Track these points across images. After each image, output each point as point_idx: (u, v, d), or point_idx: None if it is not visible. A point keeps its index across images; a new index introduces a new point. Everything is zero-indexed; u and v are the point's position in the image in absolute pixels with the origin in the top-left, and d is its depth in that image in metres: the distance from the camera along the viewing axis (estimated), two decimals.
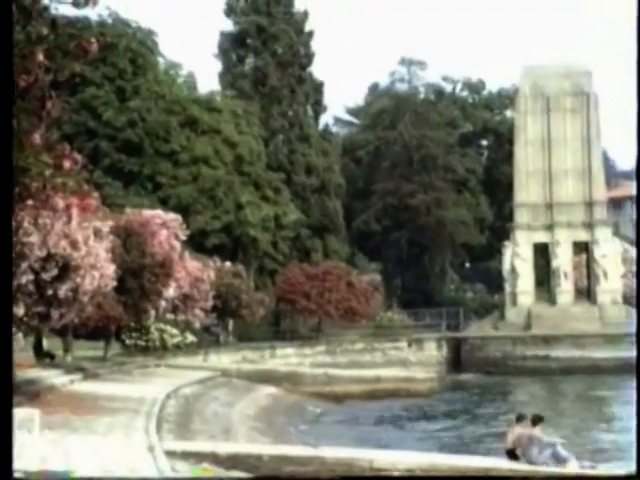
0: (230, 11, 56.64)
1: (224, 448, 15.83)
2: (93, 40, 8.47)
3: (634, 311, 55.63)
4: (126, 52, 45.35)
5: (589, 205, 55.42)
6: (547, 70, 56.60)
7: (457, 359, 49.29)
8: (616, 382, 42.78)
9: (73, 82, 39.29)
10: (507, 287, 55.55)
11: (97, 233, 22.42)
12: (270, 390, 32.27)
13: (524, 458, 16.00)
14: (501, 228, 61.45)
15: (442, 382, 40.51)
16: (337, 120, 77.98)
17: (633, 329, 51.18)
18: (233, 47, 56.62)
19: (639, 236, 8.67)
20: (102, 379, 24.67)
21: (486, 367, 47.54)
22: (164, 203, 42.85)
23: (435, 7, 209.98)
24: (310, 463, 15.19)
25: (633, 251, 68.57)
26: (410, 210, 67.79)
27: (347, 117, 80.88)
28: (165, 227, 33.09)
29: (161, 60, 50.64)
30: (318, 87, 58.97)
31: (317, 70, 59.12)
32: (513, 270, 55.16)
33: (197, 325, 38.39)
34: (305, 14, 57.89)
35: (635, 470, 9.00)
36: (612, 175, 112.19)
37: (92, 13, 43.38)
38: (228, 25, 56.93)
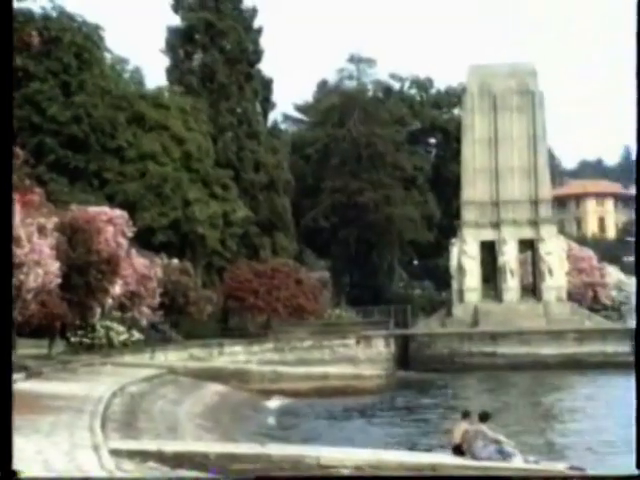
0: (178, 6, 56.16)
1: (170, 446, 15.68)
2: (34, 33, 8.32)
3: (575, 306, 56.60)
4: (71, 46, 44.66)
5: (535, 203, 56.12)
6: (494, 69, 57.22)
7: (405, 356, 49.56)
8: (561, 378, 43.43)
9: (16, 76, 38.62)
10: (454, 284, 56.04)
11: (41, 230, 22.08)
12: (218, 388, 32.09)
13: (469, 453, 16.12)
14: (449, 225, 61.97)
15: (390, 379, 40.69)
16: (286, 117, 77.96)
17: (577, 325, 52.11)
18: (181, 43, 56.14)
19: (639, 235, 8.75)
20: (46, 378, 24.28)
21: (434, 364, 47.88)
22: (110, 200, 42.35)
23: (384, 5, 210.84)
24: (257, 461, 15.12)
25: (577, 249, 69.65)
26: (358, 207, 68.01)
27: (296, 114, 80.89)
28: (111, 224, 32.75)
29: (107, 55, 49.98)
30: (267, 84, 58.78)
31: (266, 67, 59.03)
32: (460, 267, 55.64)
33: (144, 322, 38.06)
34: (254, 11, 57.65)
35: (635, 470, 9.06)
36: (557, 174, 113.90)
37: (35, 6, 42.72)
38: (176, 20, 56.50)
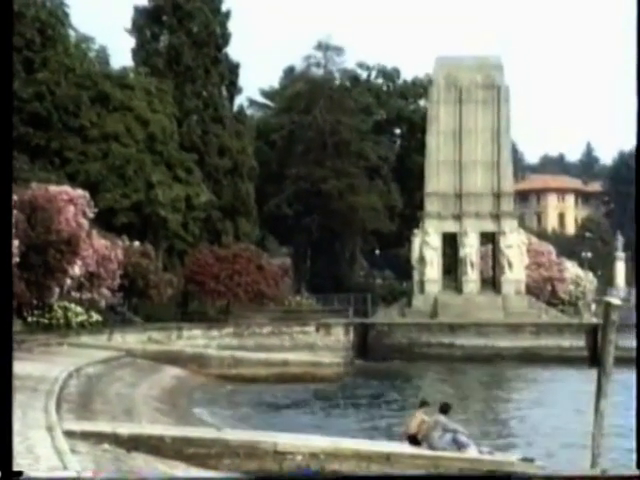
0: None
1: (125, 429, 15.59)
2: None
3: (533, 300, 57.17)
4: (34, 22, 44.01)
5: (497, 196, 56.43)
6: (460, 62, 57.34)
7: (364, 345, 49.65)
8: (517, 370, 43.86)
9: None
10: (415, 275, 56.22)
11: None
12: (175, 371, 31.99)
13: (425, 443, 16.20)
14: (411, 216, 62.19)
15: (348, 367, 40.81)
16: (252, 102, 77.62)
17: (534, 319, 52.62)
18: (147, 23, 55.60)
19: (639, 235, 8.79)
20: None
21: (392, 353, 48.04)
22: (72, 179, 41.91)
23: None
24: (213, 445, 15.10)
25: (537, 243, 70.33)
26: (322, 195, 68.00)
27: (262, 100, 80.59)
28: (72, 204, 32.43)
29: (72, 33, 49.36)
30: (233, 68, 58.46)
31: (233, 51, 58.65)
32: (422, 258, 55.83)
33: (103, 304, 37.80)
34: None
35: (636, 470, 9.16)
36: (520, 168, 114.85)
37: None
38: (143, 1, 55.91)
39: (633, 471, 9.31)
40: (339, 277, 69.00)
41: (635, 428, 8.88)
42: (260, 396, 31.42)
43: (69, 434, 13.60)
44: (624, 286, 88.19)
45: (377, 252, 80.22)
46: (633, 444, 20.64)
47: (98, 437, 14.52)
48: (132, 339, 37.60)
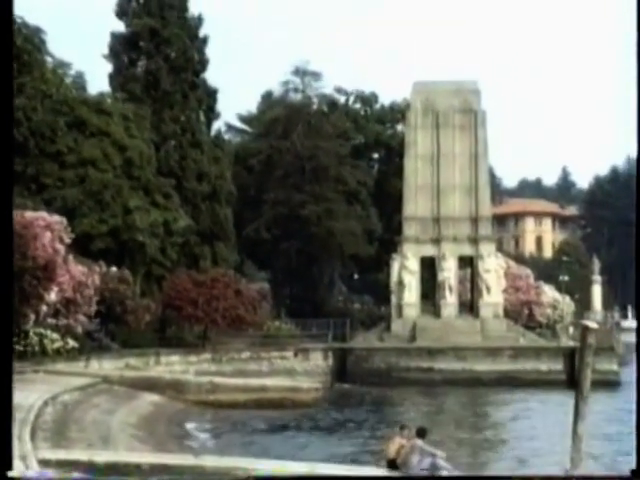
0: (122, 13, 55.60)
1: (102, 456, 15.43)
2: None
3: (511, 323, 57.30)
4: None
5: (475, 220, 56.66)
6: (438, 86, 57.76)
7: (343, 370, 49.57)
8: (495, 394, 43.87)
9: None
10: (394, 299, 56.25)
11: None
12: (153, 398, 31.72)
13: (404, 467, 16.14)
14: (390, 241, 62.25)
15: (327, 392, 40.67)
16: (230, 127, 77.70)
17: (512, 343, 52.70)
18: (125, 49, 55.60)
19: (639, 236, 8.83)
20: None
21: (371, 378, 47.95)
22: (48, 205, 41.67)
23: (330, 19, 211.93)
24: (190, 472, 14.97)
25: (515, 267, 70.62)
26: (301, 220, 67.99)
27: (240, 125, 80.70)
28: (49, 229, 32.25)
29: (49, 59, 49.25)
30: (211, 93, 58.53)
31: (211, 76, 58.74)
32: (400, 282, 55.90)
33: (79, 330, 37.49)
34: (199, 19, 57.40)
35: (632, 470, 9.14)
36: (497, 192, 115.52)
37: None
38: (120, 27, 55.95)
39: (624, 473, 9.32)
40: (318, 302, 68.86)
41: (635, 428, 8.89)
42: (238, 422, 31.22)
43: (44, 463, 13.44)
44: (601, 309, 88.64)
45: (356, 277, 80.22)
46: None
47: (74, 465, 14.36)
48: (109, 365, 37.29)
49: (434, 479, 15.34)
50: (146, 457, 16.82)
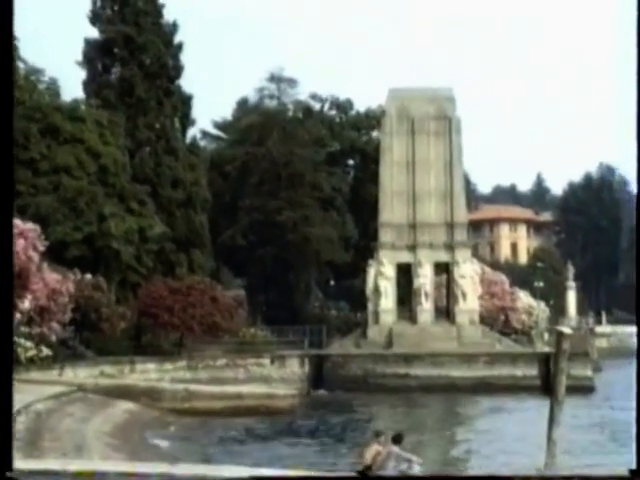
0: (96, 19, 55.36)
1: (76, 466, 15.25)
2: None
3: (487, 329, 57.49)
4: None
5: (450, 226, 56.81)
6: (413, 93, 57.95)
7: (319, 376, 49.51)
8: (471, 400, 43.98)
9: None
10: (370, 305, 56.27)
11: None
12: (128, 406, 31.52)
13: (380, 474, 16.10)
14: (366, 247, 62.30)
15: (304, 399, 40.60)
16: (205, 134, 77.53)
17: (488, 349, 52.87)
18: (99, 56, 55.34)
19: (639, 237, 8.82)
20: None
21: (348, 384, 47.90)
22: (22, 212, 41.32)
23: (307, 25, 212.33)
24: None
25: (490, 273, 70.89)
26: (276, 227, 67.91)
27: (215, 132, 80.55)
28: (22, 237, 32.00)
29: (21, 65, 48.93)
30: (186, 100, 58.38)
31: (186, 83, 58.60)
32: (376, 289, 55.93)
33: (53, 338, 37.19)
34: (174, 26, 57.26)
35: (630, 470, 9.13)
36: (472, 198, 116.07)
37: None
38: (94, 33, 55.68)
39: (623, 472, 9.33)
40: (294, 308, 68.77)
41: (635, 428, 8.90)
42: (214, 429, 31.08)
43: (17, 473, 13.24)
44: (575, 315, 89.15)
45: (332, 283, 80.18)
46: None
47: (46, 475, 14.18)
48: (84, 373, 37.04)
49: (434, 478, 15.28)
50: (120, 466, 16.67)
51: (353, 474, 16.71)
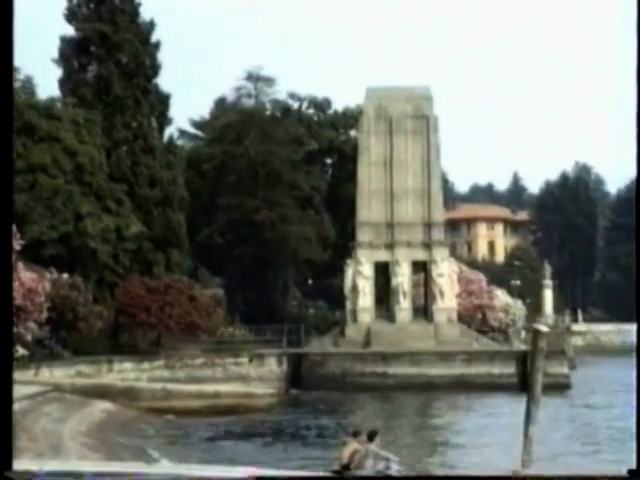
0: (72, 17, 54.99)
1: (51, 466, 15.15)
2: None
3: (465, 327, 57.70)
4: None
5: (428, 225, 56.92)
6: (390, 92, 58.00)
7: (297, 375, 49.49)
8: (448, 398, 44.11)
9: None
10: (348, 304, 56.29)
11: None
12: (105, 405, 31.39)
13: (358, 472, 16.11)
14: (344, 246, 62.32)
15: (282, 398, 40.58)
16: (182, 133, 77.22)
17: (466, 347, 53.04)
18: (75, 54, 54.95)
19: (639, 237, 8.86)
20: None
21: (326, 383, 47.91)
22: None
23: (283, 25, 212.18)
24: None
25: (468, 272, 71.13)
26: (254, 225, 67.79)
27: (193, 130, 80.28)
28: None
29: None
30: (164, 99, 58.12)
31: (163, 82, 58.33)
32: (354, 288, 55.97)
33: (29, 338, 36.96)
34: (151, 24, 56.97)
35: (629, 470, 9.13)
36: (450, 197, 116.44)
37: None
38: (70, 31, 55.30)
39: (622, 473, 9.35)
40: (272, 307, 68.69)
41: (635, 428, 8.92)
42: (192, 428, 30.99)
43: None
44: (552, 313, 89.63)
45: (310, 282, 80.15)
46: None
47: (21, 476, 14.07)
48: (60, 373, 36.84)
49: (434, 478, 15.28)
50: (97, 466, 16.59)
51: (329, 474, 16.72)
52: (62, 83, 55.11)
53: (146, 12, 57.25)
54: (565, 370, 48.81)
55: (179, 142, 71.27)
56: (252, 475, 11.78)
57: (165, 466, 17.10)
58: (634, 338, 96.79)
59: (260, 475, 12.90)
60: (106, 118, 53.07)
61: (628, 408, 37.37)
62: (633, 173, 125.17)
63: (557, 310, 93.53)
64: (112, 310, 45.78)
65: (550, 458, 22.14)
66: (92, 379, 37.09)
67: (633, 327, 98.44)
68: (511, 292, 79.13)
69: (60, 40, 55.29)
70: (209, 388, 37.52)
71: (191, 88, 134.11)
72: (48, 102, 50.86)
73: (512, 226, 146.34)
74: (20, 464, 15.45)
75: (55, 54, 55.28)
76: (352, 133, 76.26)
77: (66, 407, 28.76)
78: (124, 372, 41.15)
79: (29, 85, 53.18)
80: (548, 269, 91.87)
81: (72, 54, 54.94)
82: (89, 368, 39.42)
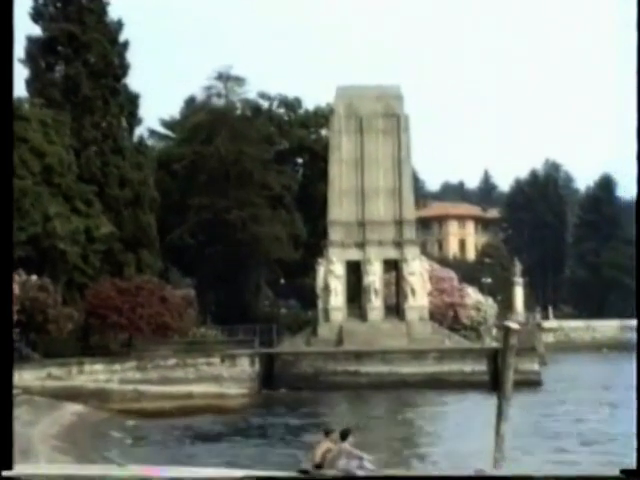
0: (38, 16, 54.47)
1: (20, 470, 14.98)
2: None
3: (437, 325, 57.93)
4: None
5: (399, 224, 57.08)
6: (361, 91, 58.12)
7: (270, 375, 49.44)
8: (420, 396, 44.25)
9: None
10: (320, 303, 56.35)
11: None
12: (76, 408, 31.16)
13: (330, 471, 16.07)
14: (315, 245, 62.37)
15: (254, 398, 40.51)
16: (152, 133, 76.88)
17: (438, 345, 53.24)
18: (42, 54, 54.46)
19: (639, 236, 8.88)
20: None
21: (298, 383, 47.91)
22: None
23: (253, 24, 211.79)
24: None
25: (439, 270, 71.37)
26: (225, 225, 67.63)
27: (163, 130, 79.93)
28: None
29: None
30: (133, 99, 57.79)
31: (132, 82, 57.97)
32: (326, 287, 56.02)
33: None
34: (119, 24, 56.59)
35: (621, 470, 9.14)
36: (421, 196, 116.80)
37: None
38: (36, 30, 54.79)
39: (614, 472, 9.39)
40: (244, 307, 68.54)
41: (635, 428, 8.95)
42: (164, 430, 30.83)
43: None
44: (523, 310, 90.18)
45: (282, 281, 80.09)
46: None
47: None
48: (30, 376, 36.50)
49: (432, 478, 15.24)
50: (68, 468, 16.44)
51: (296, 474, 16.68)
52: (29, 83, 54.60)
53: (114, 12, 56.95)
54: (536, 367, 49.12)
55: (149, 142, 70.93)
56: (251, 475, 11.73)
57: (138, 468, 16.96)
58: (603, 334, 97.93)
59: (260, 475, 12.87)
60: (75, 118, 52.64)
61: (597, 405, 37.77)
62: (602, 170, 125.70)
63: (528, 307, 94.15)
64: (82, 312, 45.43)
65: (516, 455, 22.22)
66: (62, 381, 36.81)
67: (601, 323, 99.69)
68: (482, 290, 79.50)
69: (26, 40, 54.77)
70: (181, 389, 37.39)
71: (161, 88, 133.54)
72: (15, 102, 50.32)
73: (483, 224, 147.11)
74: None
75: (21, 54, 54.77)
76: (323, 132, 76.31)
77: (36, 410, 28.52)
78: (95, 374, 40.86)
79: None
80: (519, 266, 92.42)
81: (39, 54, 54.43)
82: (59, 370, 39.10)
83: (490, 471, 12.39)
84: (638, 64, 8.11)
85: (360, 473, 15.82)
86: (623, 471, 8.99)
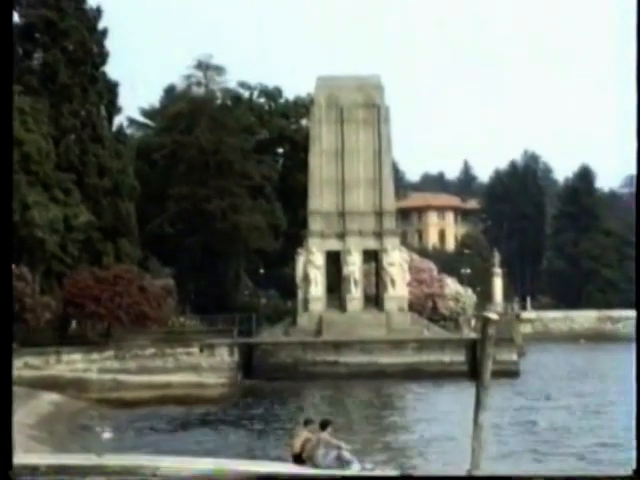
0: (15, 2, 54.00)
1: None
2: None
3: (416, 316, 58.08)
4: None
5: (379, 215, 57.12)
6: (341, 81, 58.02)
7: (249, 365, 49.41)
8: (399, 386, 44.40)
9: None
10: (299, 293, 56.34)
11: None
12: (53, 397, 31.03)
13: (309, 462, 16.10)
14: (295, 235, 62.32)
15: (233, 388, 40.47)
16: (132, 122, 76.47)
17: (417, 335, 53.38)
18: (19, 41, 53.98)
19: (638, 236, 8.86)
20: None
21: (277, 372, 47.92)
22: None
23: (234, 13, 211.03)
24: (90, 472, 14.58)
25: (418, 260, 71.58)
26: (205, 215, 67.46)
27: (142, 119, 79.51)
28: None
29: None
30: (112, 87, 57.45)
31: (111, 70, 57.60)
32: (306, 277, 56.02)
33: None
34: (98, 11, 56.19)
35: (634, 470, 9.15)
36: (401, 186, 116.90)
37: None
38: (13, 17, 54.28)
39: (631, 472, 9.39)
40: (223, 297, 68.43)
41: (635, 428, 8.96)
42: (142, 419, 30.76)
43: None
44: (501, 301, 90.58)
45: (261, 271, 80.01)
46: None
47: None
48: None
49: (431, 479, 15.27)
50: (45, 458, 16.35)
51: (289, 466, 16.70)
52: None
53: None
54: (514, 357, 49.37)
55: (128, 131, 70.56)
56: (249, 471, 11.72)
57: (116, 458, 16.90)
58: (580, 325, 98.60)
59: (260, 472, 12.87)
60: (53, 106, 52.27)
61: (572, 398, 38.02)
62: (581, 161, 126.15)
63: (506, 298, 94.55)
64: (60, 301, 45.19)
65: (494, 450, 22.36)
66: (40, 370, 36.64)
67: (579, 313, 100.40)
68: (461, 280, 79.78)
69: None
70: (160, 378, 37.31)
71: (140, 76, 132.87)
72: None
73: (462, 214, 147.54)
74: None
75: None
76: (303, 122, 76.17)
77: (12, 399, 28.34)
78: (73, 363, 40.67)
79: None
80: (497, 257, 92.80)
81: (16, 41, 53.91)
82: (37, 360, 38.89)
83: (469, 459, 12.41)
84: (626, 55, 8.11)
85: (338, 462, 15.86)
86: (636, 471, 9.00)
